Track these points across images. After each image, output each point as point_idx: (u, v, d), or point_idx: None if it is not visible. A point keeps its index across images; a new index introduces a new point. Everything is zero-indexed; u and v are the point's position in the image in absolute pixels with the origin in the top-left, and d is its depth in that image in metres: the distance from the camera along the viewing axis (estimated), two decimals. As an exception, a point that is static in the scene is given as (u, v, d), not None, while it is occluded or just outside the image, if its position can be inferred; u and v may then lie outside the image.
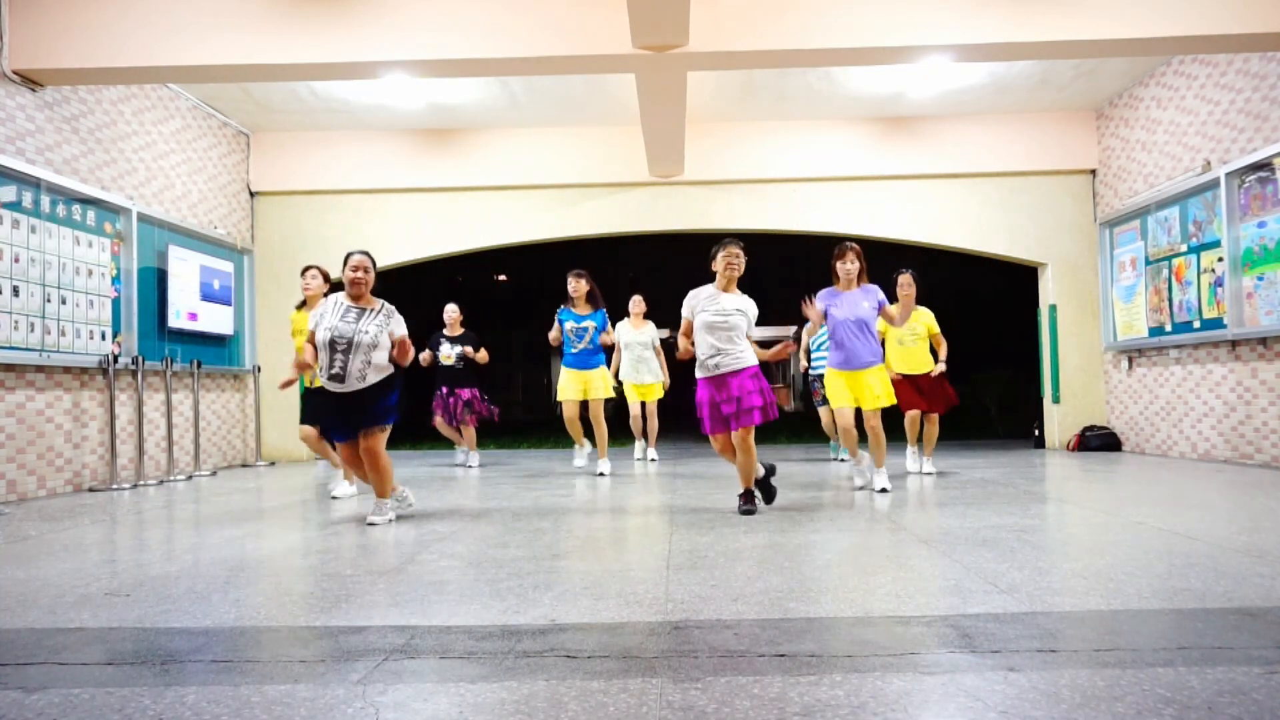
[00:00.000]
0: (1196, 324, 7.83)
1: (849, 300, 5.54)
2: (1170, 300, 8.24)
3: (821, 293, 5.67)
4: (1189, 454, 8.02)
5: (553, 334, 7.37)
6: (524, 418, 23.37)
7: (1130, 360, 9.04)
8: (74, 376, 6.72)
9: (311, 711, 1.92)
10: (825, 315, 5.58)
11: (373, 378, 4.56)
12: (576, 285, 7.23)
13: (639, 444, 8.80)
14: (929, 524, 4.36)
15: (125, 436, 7.29)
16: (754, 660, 2.21)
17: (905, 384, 6.61)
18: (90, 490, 6.73)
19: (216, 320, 8.76)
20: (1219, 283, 7.49)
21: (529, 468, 8.25)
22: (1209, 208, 7.69)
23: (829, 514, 4.74)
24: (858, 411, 5.70)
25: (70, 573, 3.49)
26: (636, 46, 6.23)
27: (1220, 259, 7.45)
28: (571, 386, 7.27)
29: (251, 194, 9.83)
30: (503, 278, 22.34)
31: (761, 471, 4.99)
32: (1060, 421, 9.63)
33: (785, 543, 3.88)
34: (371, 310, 4.62)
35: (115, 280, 7.26)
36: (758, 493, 5.06)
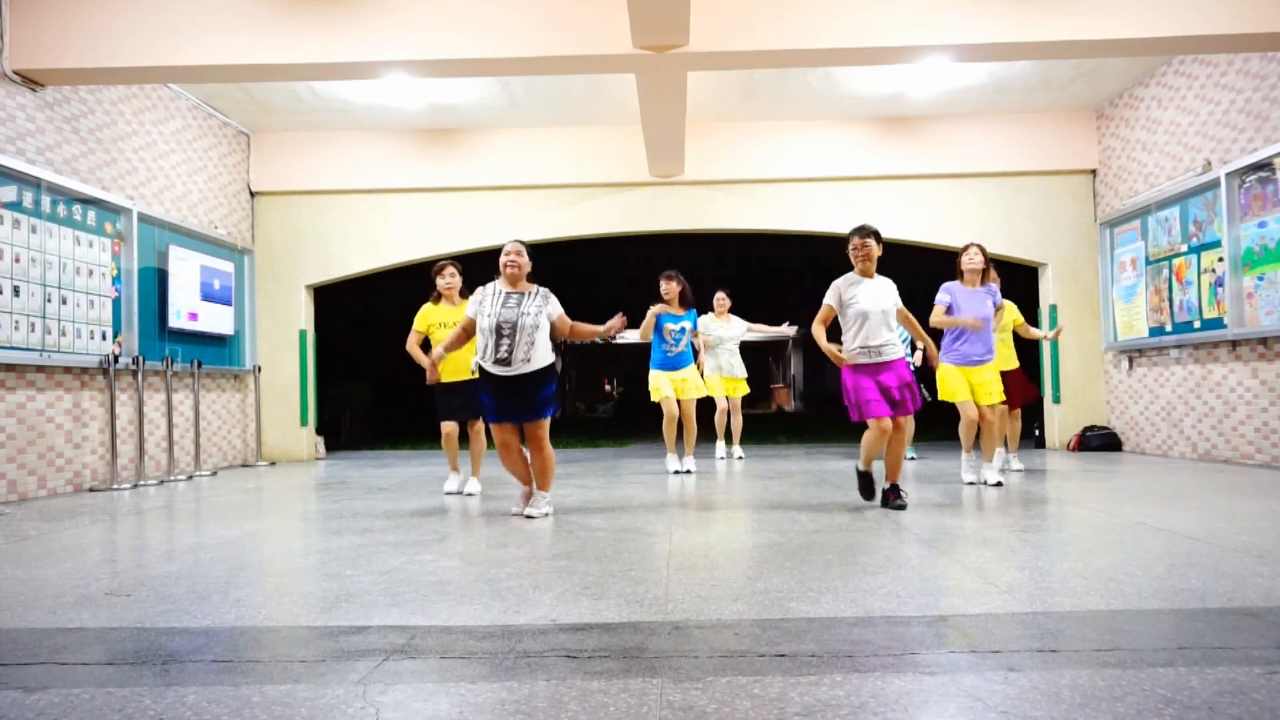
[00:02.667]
0: (1197, 324, 7.83)
1: (976, 298, 5.78)
2: (1170, 300, 8.24)
3: (949, 286, 5.87)
4: (1189, 454, 8.02)
5: (644, 330, 7.26)
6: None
7: (1130, 360, 9.04)
8: (74, 376, 6.72)
9: (311, 711, 1.92)
10: (949, 309, 5.80)
11: (537, 362, 4.65)
12: (668, 287, 7.22)
13: (720, 444, 8.70)
14: (929, 524, 4.36)
15: (125, 436, 7.29)
16: (754, 660, 2.21)
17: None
18: (90, 490, 6.73)
19: (217, 320, 8.76)
20: (1219, 283, 7.49)
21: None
22: (1209, 208, 7.69)
23: (829, 514, 4.74)
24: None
25: (70, 573, 3.49)
26: (636, 46, 6.23)
27: (1220, 259, 7.45)
28: (666, 387, 7.27)
29: (251, 194, 9.83)
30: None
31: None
32: (1060, 421, 9.62)
33: (785, 543, 3.88)
34: (529, 294, 4.74)
35: (116, 280, 7.26)
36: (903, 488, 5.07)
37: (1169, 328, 8.26)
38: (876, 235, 4.95)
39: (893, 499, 4.89)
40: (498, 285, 4.77)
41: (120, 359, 7.14)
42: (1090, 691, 1.94)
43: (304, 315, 9.89)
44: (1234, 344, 7.35)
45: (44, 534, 4.55)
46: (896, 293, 4.99)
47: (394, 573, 3.37)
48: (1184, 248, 8.07)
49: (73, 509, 5.60)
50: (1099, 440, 9.12)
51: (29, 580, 3.37)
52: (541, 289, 4.80)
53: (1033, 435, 10.05)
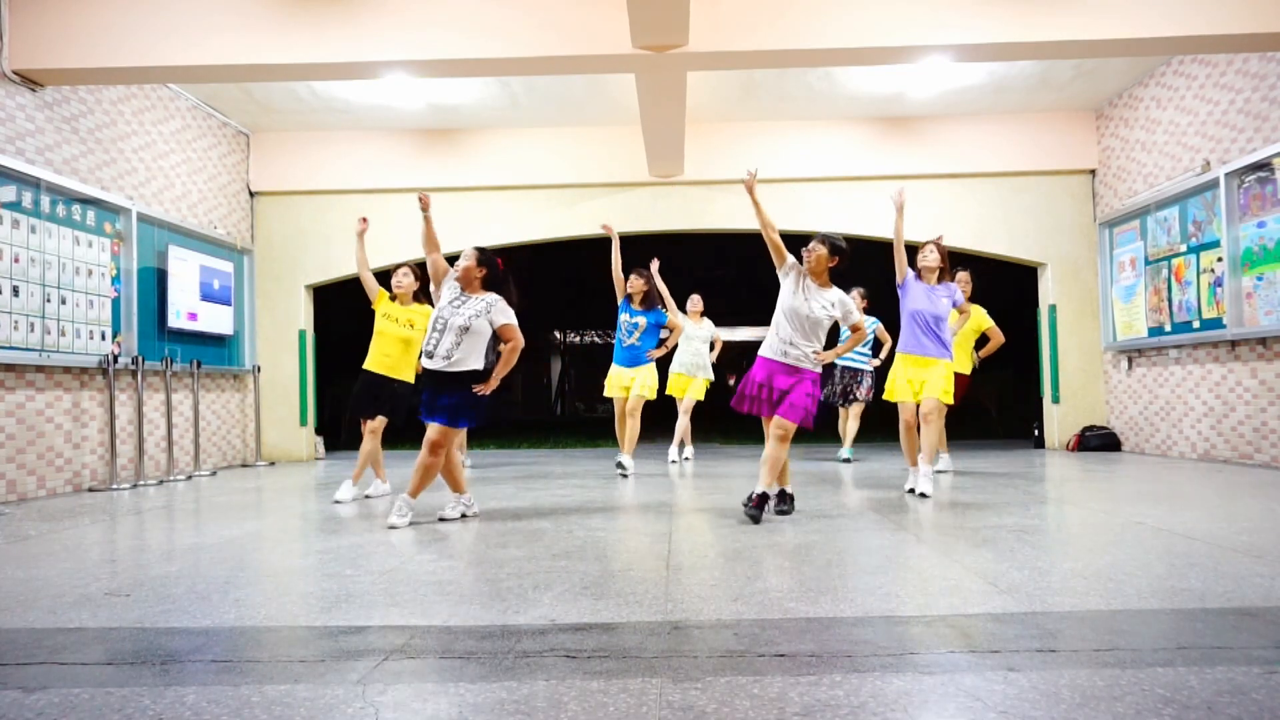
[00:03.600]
0: (1196, 324, 7.83)
1: (931, 295, 5.70)
2: (1170, 300, 8.24)
3: (911, 275, 5.80)
4: (1189, 454, 8.02)
5: (615, 269, 7.21)
6: (524, 418, 23.36)
7: (1130, 360, 9.04)
8: (74, 376, 6.72)
9: (311, 711, 1.92)
10: (901, 284, 5.71)
11: (459, 365, 4.59)
12: (634, 282, 7.22)
13: (674, 447, 8.54)
14: (929, 524, 4.36)
15: (125, 436, 7.29)
16: (754, 660, 2.21)
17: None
18: (90, 490, 6.73)
19: (216, 320, 8.75)
20: (1218, 283, 7.49)
21: (529, 468, 8.25)
22: (1208, 208, 7.69)
23: (828, 514, 4.74)
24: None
25: (70, 573, 3.49)
26: (636, 46, 6.23)
27: (1220, 259, 7.45)
28: (617, 383, 7.28)
29: (251, 194, 9.83)
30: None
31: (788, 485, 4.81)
32: (1060, 421, 9.62)
33: (785, 543, 3.88)
34: (476, 298, 4.70)
35: (115, 280, 7.26)
36: (774, 498, 4.71)
37: (1168, 328, 8.26)
38: (834, 247, 4.68)
39: (749, 505, 4.51)
40: (459, 285, 4.79)
41: (119, 359, 7.14)
42: (1090, 691, 1.94)
43: (304, 315, 9.89)
44: (1233, 344, 7.35)
45: (43, 534, 4.55)
46: (846, 309, 4.71)
47: (394, 573, 3.37)
48: (1183, 248, 8.07)
49: (72, 509, 5.60)
50: (1098, 440, 9.12)
51: (29, 580, 3.37)
52: (489, 297, 4.68)
53: (1031, 435, 10.06)
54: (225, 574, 3.42)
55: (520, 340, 4.74)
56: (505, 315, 4.69)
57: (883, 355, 8.10)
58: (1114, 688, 1.96)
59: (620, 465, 7.19)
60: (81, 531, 4.64)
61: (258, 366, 9.55)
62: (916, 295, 5.67)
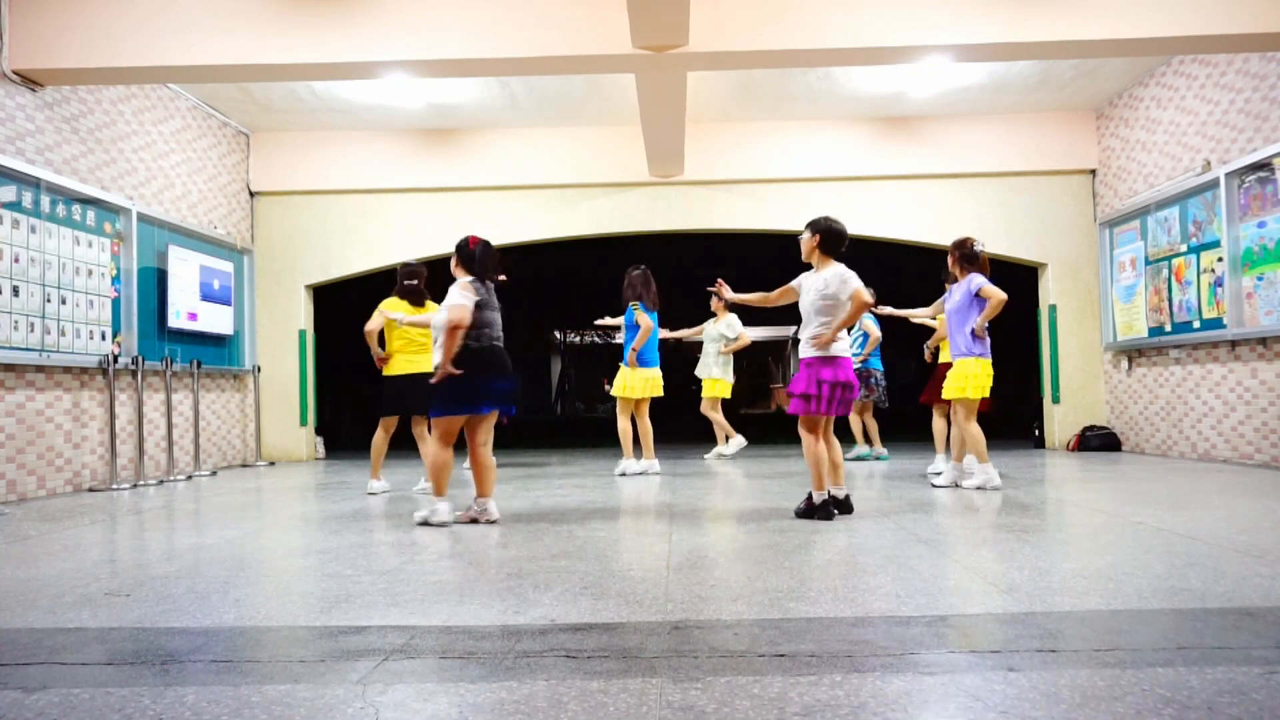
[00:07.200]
0: (1196, 324, 7.82)
1: (954, 290, 5.88)
2: (1170, 300, 8.24)
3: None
4: (1189, 454, 8.01)
5: (639, 336, 7.23)
6: (522, 418, 23.37)
7: (1130, 360, 9.04)
8: (74, 376, 6.72)
9: (311, 711, 1.92)
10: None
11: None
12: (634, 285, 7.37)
13: (736, 443, 8.70)
14: (929, 524, 4.36)
15: (125, 436, 7.28)
16: (754, 660, 2.21)
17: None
18: (90, 490, 6.73)
19: (216, 320, 8.75)
20: (1219, 283, 7.49)
21: (528, 469, 8.24)
22: (1209, 208, 7.69)
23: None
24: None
25: (70, 573, 3.49)
26: (636, 46, 6.22)
27: (1220, 259, 7.44)
28: (648, 386, 7.25)
29: (251, 194, 9.83)
30: (502, 277, 22.33)
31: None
32: (1060, 421, 9.62)
33: (785, 543, 3.88)
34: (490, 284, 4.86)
35: (115, 280, 7.26)
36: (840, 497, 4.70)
37: (1168, 328, 8.26)
38: (812, 226, 4.92)
39: (805, 507, 4.64)
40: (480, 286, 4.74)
41: (119, 359, 7.13)
42: (1090, 691, 1.94)
43: (304, 315, 9.89)
44: (1233, 344, 7.34)
45: (44, 534, 4.55)
46: (842, 280, 4.60)
47: (394, 573, 3.37)
48: (1183, 248, 8.07)
49: (72, 509, 5.60)
50: (1099, 440, 9.11)
51: (29, 580, 3.37)
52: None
53: (1032, 435, 10.05)
54: (225, 574, 3.42)
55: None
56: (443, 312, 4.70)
57: (867, 351, 8.04)
58: (1114, 688, 1.96)
59: (640, 472, 7.20)
60: (81, 531, 4.64)
61: (258, 366, 9.55)
62: (947, 301, 5.93)
